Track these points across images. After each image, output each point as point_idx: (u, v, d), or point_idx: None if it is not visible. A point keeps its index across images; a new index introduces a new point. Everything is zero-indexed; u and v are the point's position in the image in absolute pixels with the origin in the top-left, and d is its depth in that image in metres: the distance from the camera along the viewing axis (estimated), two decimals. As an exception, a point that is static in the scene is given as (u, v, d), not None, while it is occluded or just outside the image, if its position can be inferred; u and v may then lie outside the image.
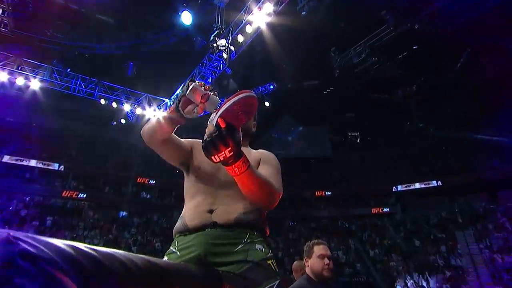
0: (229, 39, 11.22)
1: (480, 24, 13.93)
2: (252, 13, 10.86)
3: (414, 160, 24.95)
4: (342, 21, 14.57)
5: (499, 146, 19.86)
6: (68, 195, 20.57)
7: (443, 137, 22.53)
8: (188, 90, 1.23)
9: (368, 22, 13.65)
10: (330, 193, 26.94)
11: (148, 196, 23.90)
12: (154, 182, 23.72)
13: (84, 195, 21.08)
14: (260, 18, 10.91)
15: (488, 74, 16.78)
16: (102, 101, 15.39)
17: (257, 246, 1.37)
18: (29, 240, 0.62)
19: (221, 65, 12.89)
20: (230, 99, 1.15)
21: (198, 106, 1.27)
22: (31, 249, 0.61)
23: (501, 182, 19.40)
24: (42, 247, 0.63)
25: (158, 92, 15.76)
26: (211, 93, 1.26)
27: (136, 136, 18.68)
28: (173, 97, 15.09)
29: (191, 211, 1.47)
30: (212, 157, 1.13)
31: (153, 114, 15.71)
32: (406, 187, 23.81)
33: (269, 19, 10.92)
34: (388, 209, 24.19)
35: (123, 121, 16.68)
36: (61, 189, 20.78)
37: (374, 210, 24.47)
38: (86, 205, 21.18)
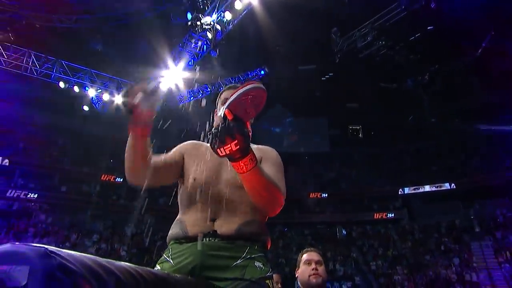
0: (215, 17, 11.30)
1: (505, 2, 14.24)
2: (243, -13, 10.98)
3: (424, 159, 25.46)
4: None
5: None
6: (15, 195, 19.97)
7: (458, 133, 23.01)
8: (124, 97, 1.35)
9: (376, -1, 13.88)
10: (326, 195, 27.23)
11: (114, 197, 23.73)
12: (121, 180, 22.91)
13: (35, 195, 20.60)
14: (252, -8, 11.02)
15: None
16: (62, 84, 15.18)
17: (256, 264, 1.49)
18: (63, 255, 0.82)
19: (205, 46, 12.94)
20: (237, 90, 1.26)
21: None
22: (67, 263, 0.80)
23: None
24: (73, 261, 0.83)
25: (129, 75, 15.56)
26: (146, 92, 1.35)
27: (102, 126, 18.28)
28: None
29: (192, 217, 1.59)
30: (218, 150, 1.24)
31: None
32: (414, 189, 24.30)
33: (262, -7, 11.06)
34: (393, 215, 24.74)
35: (86, 108, 16.52)
36: (6, 187, 20.25)
37: (377, 216, 24.99)
38: (37, 207, 20.79)
